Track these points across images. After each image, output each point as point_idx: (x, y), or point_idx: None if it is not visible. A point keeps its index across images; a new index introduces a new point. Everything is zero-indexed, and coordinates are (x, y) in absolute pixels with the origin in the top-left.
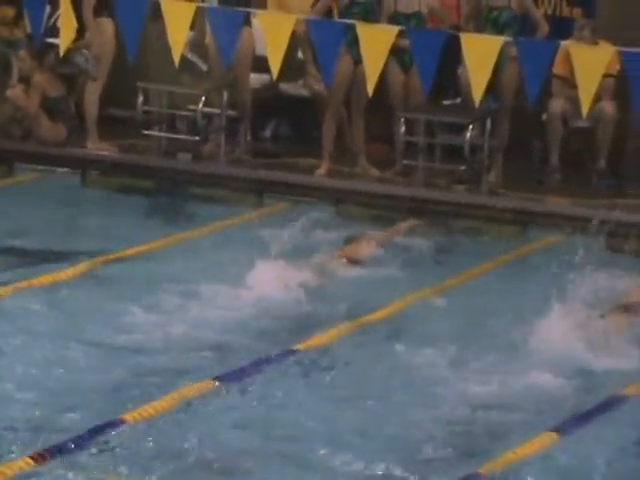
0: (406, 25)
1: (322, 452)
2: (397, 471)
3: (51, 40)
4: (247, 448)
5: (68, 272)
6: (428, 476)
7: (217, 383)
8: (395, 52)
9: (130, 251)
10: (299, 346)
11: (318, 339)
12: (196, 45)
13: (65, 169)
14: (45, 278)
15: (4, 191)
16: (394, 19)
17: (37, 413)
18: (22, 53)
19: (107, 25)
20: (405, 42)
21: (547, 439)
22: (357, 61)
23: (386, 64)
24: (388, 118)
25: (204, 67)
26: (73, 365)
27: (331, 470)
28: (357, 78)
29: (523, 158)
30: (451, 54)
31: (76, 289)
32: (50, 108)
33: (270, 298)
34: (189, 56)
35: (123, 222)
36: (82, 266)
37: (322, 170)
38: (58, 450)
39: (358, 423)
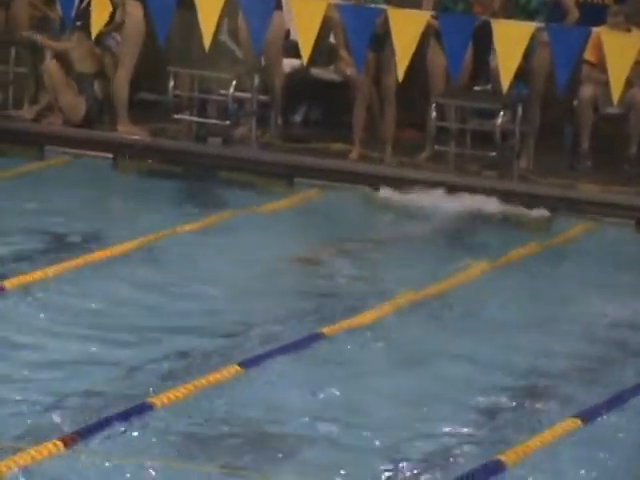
0: (453, 9)
1: (350, 433)
2: (424, 453)
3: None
4: (274, 431)
5: (99, 255)
6: (455, 459)
7: (241, 367)
8: (439, 36)
9: (160, 235)
10: (326, 329)
11: (349, 321)
12: (232, 31)
13: (96, 153)
14: (76, 261)
15: (35, 174)
16: (441, 3)
17: (66, 396)
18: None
19: (137, 8)
20: None
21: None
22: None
23: (429, 47)
24: (420, 103)
25: (241, 53)
26: (106, 348)
27: (360, 450)
28: (386, 63)
29: (554, 144)
30: (484, 40)
31: (107, 273)
32: (76, 83)
33: (298, 281)
34: (227, 42)
35: (153, 206)
36: (114, 250)
37: (354, 155)
38: (87, 433)
39: (384, 406)
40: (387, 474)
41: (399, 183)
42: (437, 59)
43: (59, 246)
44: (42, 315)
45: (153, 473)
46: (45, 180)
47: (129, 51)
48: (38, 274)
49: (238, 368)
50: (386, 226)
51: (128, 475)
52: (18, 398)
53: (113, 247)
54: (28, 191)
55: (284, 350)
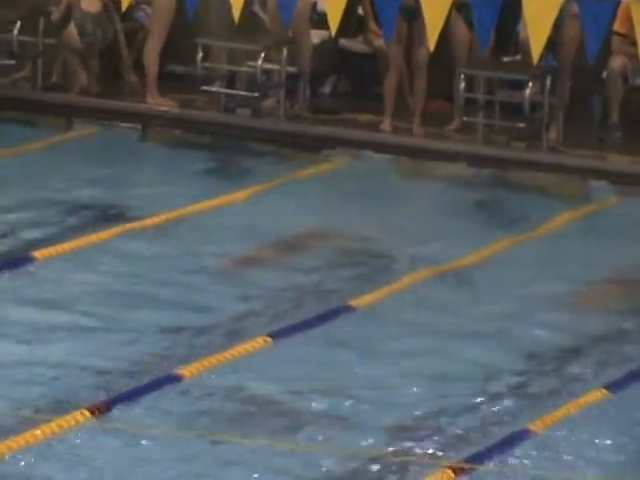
0: None
1: (375, 410)
2: (446, 426)
3: None
4: (298, 404)
5: (129, 226)
6: (483, 429)
7: (270, 339)
8: (460, 9)
9: (189, 207)
10: (354, 302)
11: (376, 295)
12: (262, 2)
13: (125, 124)
14: (105, 232)
15: (63, 146)
16: None
17: (94, 366)
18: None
19: None
20: None
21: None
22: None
23: (451, 20)
24: (448, 74)
25: (270, 24)
26: (135, 318)
27: (384, 428)
28: (418, 34)
29: (583, 116)
30: (511, 10)
31: (136, 244)
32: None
33: (326, 253)
34: (259, 13)
35: (182, 177)
36: (143, 221)
37: (386, 125)
38: (115, 403)
39: (410, 382)
40: (411, 452)
41: (427, 154)
42: (460, 31)
43: (88, 217)
44: (71, 285)
45: (179, 444)
46: (73, 151)
47: (159, 23)
48: (68, 245)
49: (267, 339)
50: (415, 196)
51: (154, 446)
52: (46, 368)
53: (142, 219)
54: (57, 162)
55: (313, 322)
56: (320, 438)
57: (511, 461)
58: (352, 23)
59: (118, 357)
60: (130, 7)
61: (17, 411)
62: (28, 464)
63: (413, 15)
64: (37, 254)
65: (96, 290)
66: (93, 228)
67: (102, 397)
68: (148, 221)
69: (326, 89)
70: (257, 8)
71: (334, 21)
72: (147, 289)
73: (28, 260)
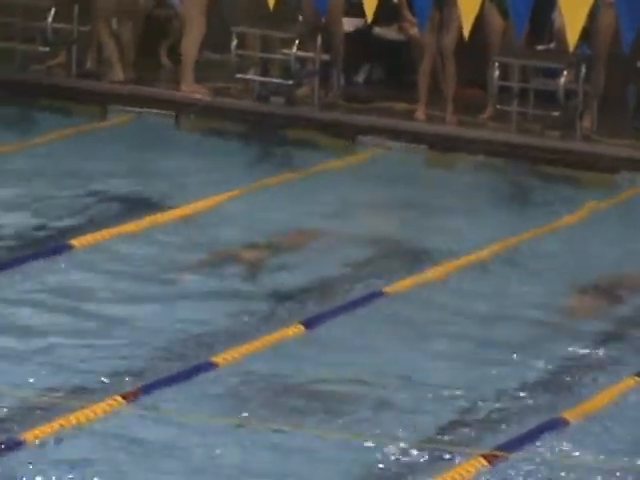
0: None
1: (409, 395)
2: (479, 413)
3: None
4: (333, 390)
5: (163, 215)
6: (516, 419)
7: (304, 325)
8: None
9: (223, 195)
10: (387, 289)
11: (409, 281)
12: None
13: (159, 111)
14: (141, 221)
15: (98, 133)
16: None
17: (130, 353)
18: None
19: None
20: None
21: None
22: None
23: (485, 8)
24: (482, 63)
25: (304, 12)
26: (170, 307)
27: (419, 412)
28: (447, 22)
29: (618, 104)
30: None
31: (171, 233)
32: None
33: (358, 242)
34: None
35: (216, 165)
36: (178, 210)
37: (420, 114)
38: (149, 390)
39: (443, 366)
40: (444, 439)
41: (461, 142)
42: (494, 19)
43: (123, 205)
44: (107, 272)
45: (212, 430)
46: (108, 139)
47: (197, 11)
48: (105, 233)
49: (300, 327)
50: (448, 185)
51: (188, 432)
52: (83, 355)
53: (176, 207)
54: (91, 150)
55: (345, 309)
56: (354, 425)
57: (545, 449)
58: (387, 11)
59: (153, 344)
60: None
61: (52, 397)
62: (62, 450)
63: (443, 2)
64: (75, 242)
65: (131, 277)
66: (129, 216)
67: (136, 384)
68: (182, 209)
69: (360, 77)
70: None
71: (370, 9)
72: (181, 277)
73: (66, 248)
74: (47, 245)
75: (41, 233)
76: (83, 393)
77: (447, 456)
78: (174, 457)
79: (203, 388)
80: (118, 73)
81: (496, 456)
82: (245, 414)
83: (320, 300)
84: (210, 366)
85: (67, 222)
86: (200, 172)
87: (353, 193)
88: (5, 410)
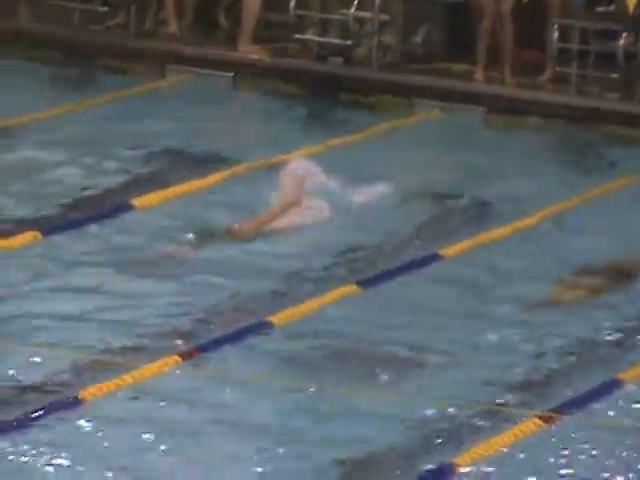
0: None
1: (463, 359)
2: (536, 375)
3: None
4: (386, 352)
5: (221, 175)
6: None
7: (359, 286)
8: None
9: (281, 155)
10: (446, 250)
11: (465, 244)
12: None
13: (217, 72)
14: (200, 181)
15: (156, 93)
16: None
17: (185, 312)
18: None
19: None
20: None
21: None
22: None
23: None
24: (542, 24)
25: None
26: (226, 268)
27: (474, 379)
28: None
29: None
30: None
31: (228, 192)
32: None
33: (414, 204)
34: None
35: (273, 126)
36: (235, 169)
37: (478, 75)
38: (205, 349)
39: (498, 326)
40: (500, 401)
41: (519, 104)
42: None
43: (182, 165)
44: (166, 233)
45: (267, 390)
46: (166, 99)
47: None
48: (166, 192)
49: (357, 288)
50: (506, 147)
51: (242, 391)
52: (140, 314)
53: (234, 166)
54: (149, 109)
55: (403, 270)
56: (412, 387)
57: (600, 411)
58: None
59: (210, 303)
60: None
61: (109, 356)
62: (121, 408)
63: None
64: (136, 202)
65: (189, 237)
66: (187, 176)
67: (192, 343)
68: (238, 169)
69: (418, 38)
70: None
71: None
72: (237, 236)
73: (126, 208)
74: (108, 205)
75: (102, 193)
76: (140, 352)
77: (503, 417)
78: (229, 417)
79: (258, 348)
80: (173, 26)
81: (552, 417)
82: (299, 374)
83: (377, 261)
84: (265, 325)
85: (127, 182)
86: (257, 133)
87: (411, 154)
88: (64, 369)
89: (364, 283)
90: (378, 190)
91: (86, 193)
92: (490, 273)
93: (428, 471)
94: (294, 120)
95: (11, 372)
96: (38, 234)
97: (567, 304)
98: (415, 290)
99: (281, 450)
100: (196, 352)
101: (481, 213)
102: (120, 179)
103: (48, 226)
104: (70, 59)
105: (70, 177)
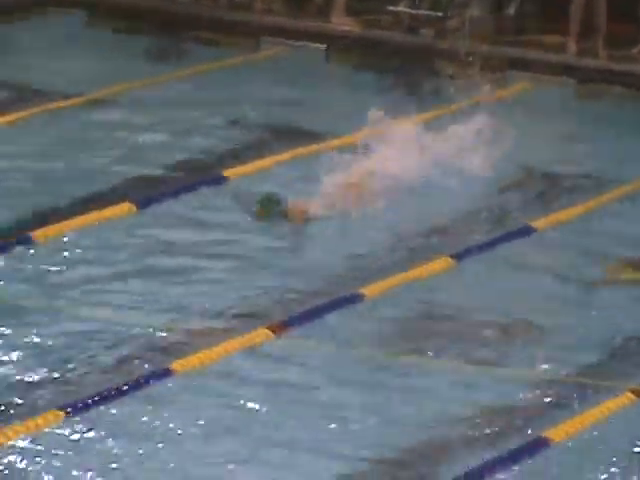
0: None
1: (553, 332)
2: (628, 348)
3: None
4: (478, 323)
5: (313, 147)
6: None
7: (453, 259)
8: None
9: (374, 128)
10: (540, 222)
11: (563, 215)
12: None
13: (310, 44)
14: (291, 152)
15: (250, 65)
16: None
17: (277, 285)
18: None
19: None
20: None
21: None
22: None
23: None
24: None
25: None
26: (319, 236)
27: (564, 352)
28: None
29: None
30: None
31: (320, 163)
32: None
33: (506, 176)
34: None
35: (365, 98)
36: (327, 143)
37: (571, 47)
38: (297, 321)
39: (589, 301)
40: (591, 374)
41: (612, 76)
42: None
43: (272, 137)
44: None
45: (359, 361)
46: (259, 71)
47: None
48: (257, 163)
49: (450, 260)
50: (600, 119)
51: (334, 363)
52: (231, 285)
53: (325, 139)
54: (243, 81)
55: (495, 243)
56: (501, 358)
57: None
58: None
59: (302, 275)
60: None
61: (200, 327)
62: (210, 378)
63: None
64: (227, 173)
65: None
66: (278, 147)
67: (283, 315)
68: (330, 142)
69: (511, 10)
70: None
71: None
72: (333, 209)
73: (220, 179)
74: (200, 177)
75: (194, 164)
76: (229, 324)
77: (595, 391)
78: (320, 388)
79: (351, 319)
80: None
81: None
82: (392, 345)
83: (470, 234)
84: (358, 297)
85: (219, 153)
86: (349, 105)
87: (505, 126)
88: (155, 340)
89: (458, 256)
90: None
91: (178, 164)
92: (586, 242)
93: (521, 446)
94: (385, 92)
95: (106, 339)
96: (132, 206)
97: None
98: (506, 263)
99: (377, 422)
100: (287, 324)
101: (573, 183)
102: (212, 150)
103: (142, 197)
104: (162, 30)
105: (162, 147)
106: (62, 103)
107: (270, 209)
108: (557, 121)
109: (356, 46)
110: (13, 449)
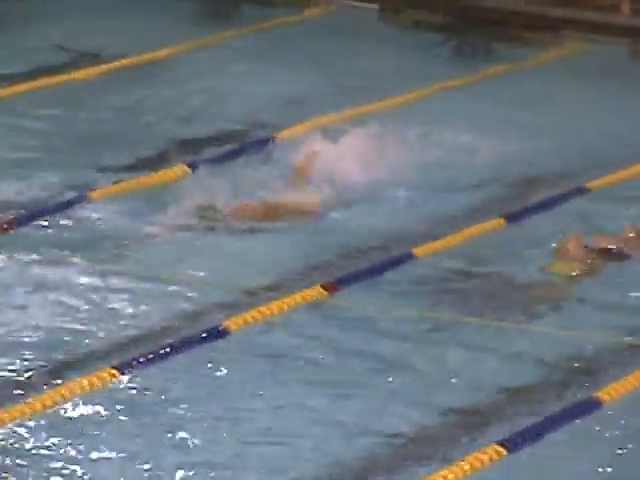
0: None
1: (608, 292)
2: None
3: None
4: (538, 283)
5: (367, 108)
6: None
7: (506, 220)
8: None
9: (426, 88)
10: (594, 183)
11: (616, 176)
12: None
13: (360, 3)
14: (340, 115)
15: (300, 24)
16: None
17: (331, 245)
18: None
19: None
20: None
21: None
22: None
23: None
24: None
25: None
26: (376, 200)
27: (623, 308)
28: None
29: None
30: None
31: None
32: None
33: (560, 139)
34: None
35: (419, 58)
36: (380, 104)
37: (624, 8)
38: (348, 281)
39: None
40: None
41: None
42: None
43: (326, 97)
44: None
45: (410, 322)
46: (314, 30)
47: None
48: (307, 124)
49: (502, 221)
50: None
51: (387, 324)
52: (286, 249)
53: (378, 101)
54: (291, 41)
55: (546, 204)
56: (557, 319)
57: None
58: None
59: (356, 237)
60: None
61: (254, 288)
62: (261, 340)
63: None
64: (281, 135)
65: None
66: (327, 110)
67: (337, 275)
68: (384, 103)
69: None
70: None
71: None
72: (382, 172)
73: (271, 141)
74: (254, 139)
75: (242, 127)
76: (278, 285)
77: None
78: (372, 346)
79: (399, 281)
80: None
81: None
82: (443, 308)
83: (523, 194)
84: (409, 257)
85: (273, 114)
86: (401, 66)
87: (558, 88)
88: (211, 299)
89: (509, 217)
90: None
91: (233, 127)
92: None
93: (572, 406)
94: (439, 53)
95: (163, 301)
96: (186, 168)
97: None
98: (559, 224)
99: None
100: (340, 284)
101: (629, 144)
102: (261, 114)
103: (196, 160)
104: None
105: (220, 109)
106: (114, 65)
107: None
108: (608, 82)
109: (409, 5)
110: (69, 407)
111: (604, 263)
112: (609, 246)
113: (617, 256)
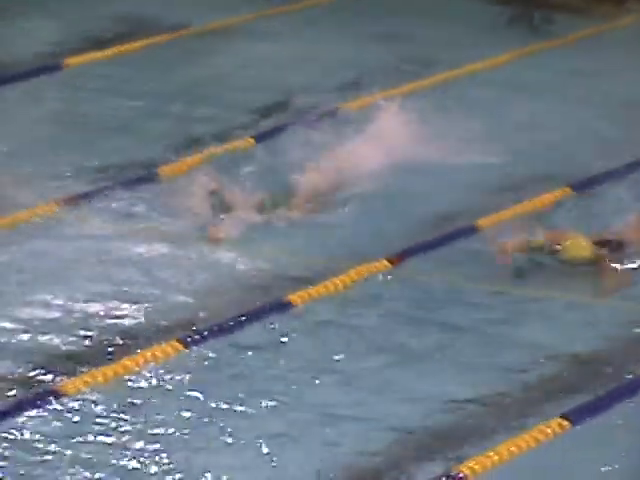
0: None
1: None
2: None
3: None
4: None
5: (419, 84)
6: None
7: (572, 190)
8: None
9: (487, 60)
10: None
11: None
12: None
13: None
14: (398, 90)
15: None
16: None
17: (389, 217)
18: None
19: None
20: None
21: None
22: None
23: None
24: None
25: None
26: (438, 169)
27: None
28: None
29: None
30: None
31: (426, 99)
32: None
33: (611, 109)
34: None
35: (473, 30)
36: (444, 74)
37: None
38: (410, 254)
39: None
40: None
41: None
42: None
43: (379, 72)
44: (372, 140)
45: (467, 292)
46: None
47: None
48: (368, 99)
49: (569, 190)
50: None
51: (445, 294)
52: (349, 223)
53: (432, 75)
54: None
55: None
56: (586, 287)
57: None
58: None
59: (417, 213)
60: None
61: (315, 261)
62: (329, 309)
63: None
64: (343, 107)
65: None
66: (384, 84)
67: (399, 249)
68: (438, 77)
69: None
70: None
71: None
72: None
73: (335, 112)
74: (319, 112)
75: (313, 101)
76: (348, 257)
77: None
78: (432, 314)
79: (462, 255)
80: None
81: None
82: (504, 278)
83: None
84: (472, 230)
85: (331, 86)
86: (457, 36)
87: (613, 59)
88: (274, 274)
89: (576, 186)
90: None
91: (297, 101)
92: None
93: (622, 385)
94: (495, 24)
95: (221, 272)
96: (252, 140)
97: None
98: (627, 195)
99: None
100: (403, 257)
101: None
102: (324, 82)
103: (261, 132)
104: None
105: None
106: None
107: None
108: None
109: None
110: (134, 380)
111: None
112: None
113: None
